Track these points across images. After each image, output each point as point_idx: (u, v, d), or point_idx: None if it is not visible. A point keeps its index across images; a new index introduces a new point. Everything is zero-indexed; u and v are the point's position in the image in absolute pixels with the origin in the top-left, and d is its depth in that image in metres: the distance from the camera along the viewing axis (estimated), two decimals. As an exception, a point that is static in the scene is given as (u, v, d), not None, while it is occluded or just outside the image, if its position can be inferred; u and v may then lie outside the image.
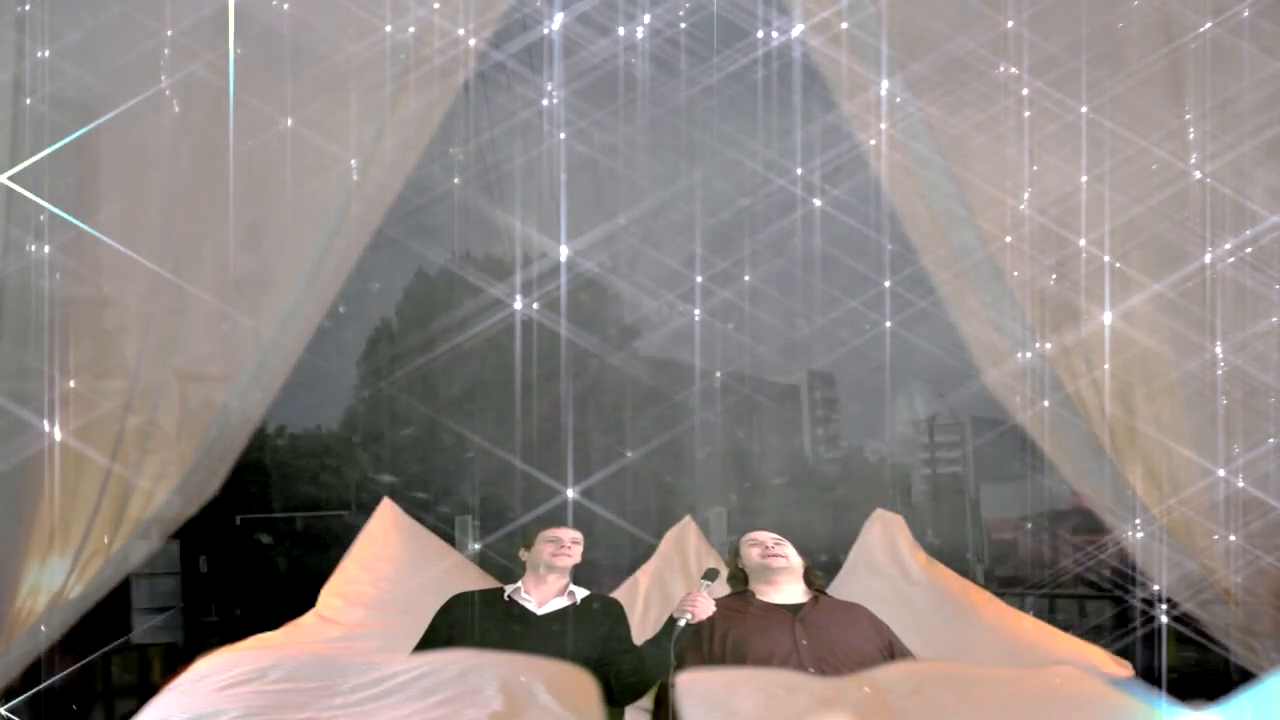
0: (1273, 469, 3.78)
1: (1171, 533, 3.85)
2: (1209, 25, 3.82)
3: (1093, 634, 3.86)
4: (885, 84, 4.01)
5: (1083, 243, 3.89)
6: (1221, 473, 3.79)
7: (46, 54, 3.79)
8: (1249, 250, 3.82)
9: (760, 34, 4.41)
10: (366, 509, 3.94)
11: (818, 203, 4.73)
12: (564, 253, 4.62)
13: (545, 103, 4.63)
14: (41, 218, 3.76)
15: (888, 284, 4.70)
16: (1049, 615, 5.41)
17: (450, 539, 4.18)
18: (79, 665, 4.13)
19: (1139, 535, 3.89)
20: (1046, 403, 4.02)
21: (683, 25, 4.75)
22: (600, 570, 3.99)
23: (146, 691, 3.05)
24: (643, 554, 3.99)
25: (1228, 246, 3.82)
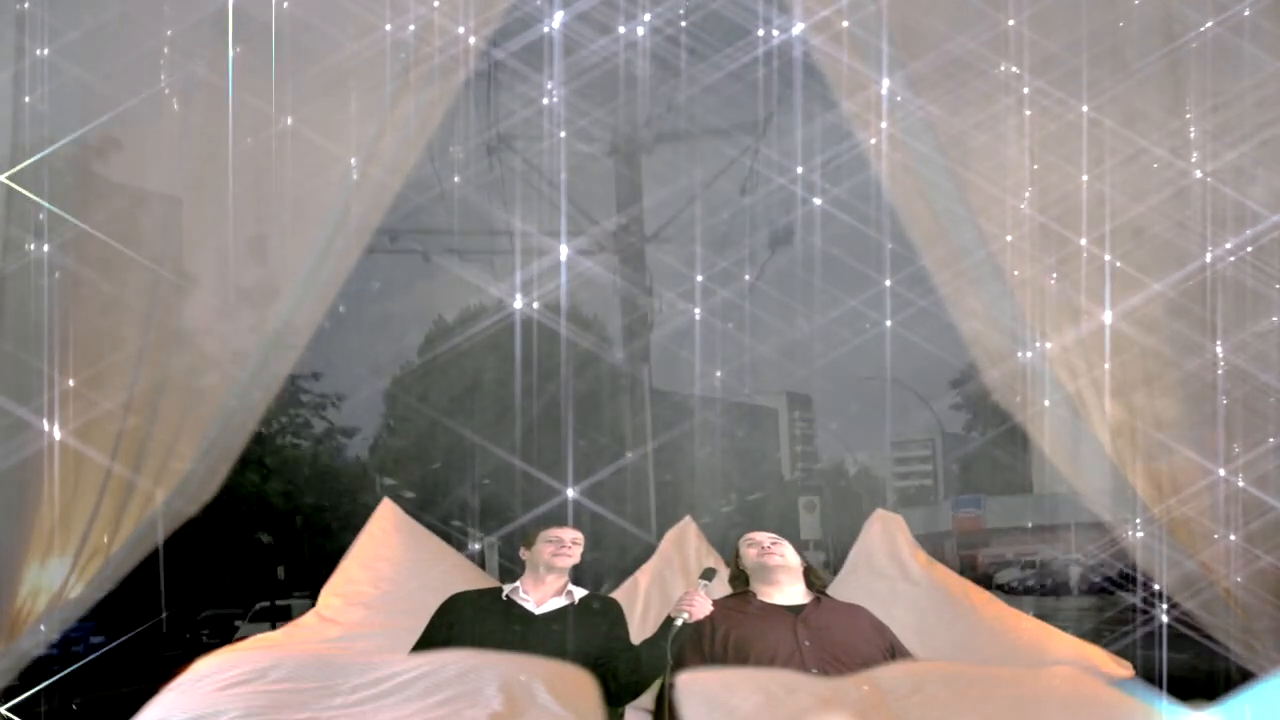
0: (1272, 468, 3.78)
1: (1172, 532, 3.85)
2: (1210, 24, 3.81)
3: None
4: (886, 83, 4.01)
5: (1083, 242, 3.88)
6: (1222, 472, 3.79)
7: (46, 53, 3.79)
8: (1249, 250, 3.82)
9: (761, 32, 4.41)
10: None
11: (818, 201, 4.73)
12: (564, 252, 4.63)
13: (546, 101, 4.63)
14: (41, 217, 3.76)
15: (888, 283, 4.70)
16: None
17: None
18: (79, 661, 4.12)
19: (1139, 535, 3.89)
20: (1047, 402, 4.02)
21: (683, 24, 4.75)
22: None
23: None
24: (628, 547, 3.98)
25: (1228, 246, 3.82)
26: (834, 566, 3.66)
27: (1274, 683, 2.88)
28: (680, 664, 2.92)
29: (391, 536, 3.74)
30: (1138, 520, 3.88)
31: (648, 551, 3.97)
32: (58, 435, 3.72)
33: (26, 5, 3.81)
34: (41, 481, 3.74)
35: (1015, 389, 4.07)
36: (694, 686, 2.56)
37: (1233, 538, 3.75)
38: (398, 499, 3.86)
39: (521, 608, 3.18)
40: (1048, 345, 3.96)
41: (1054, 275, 3.95)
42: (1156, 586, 3.87)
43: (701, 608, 3.06)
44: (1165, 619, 3.82)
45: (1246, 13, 3.80)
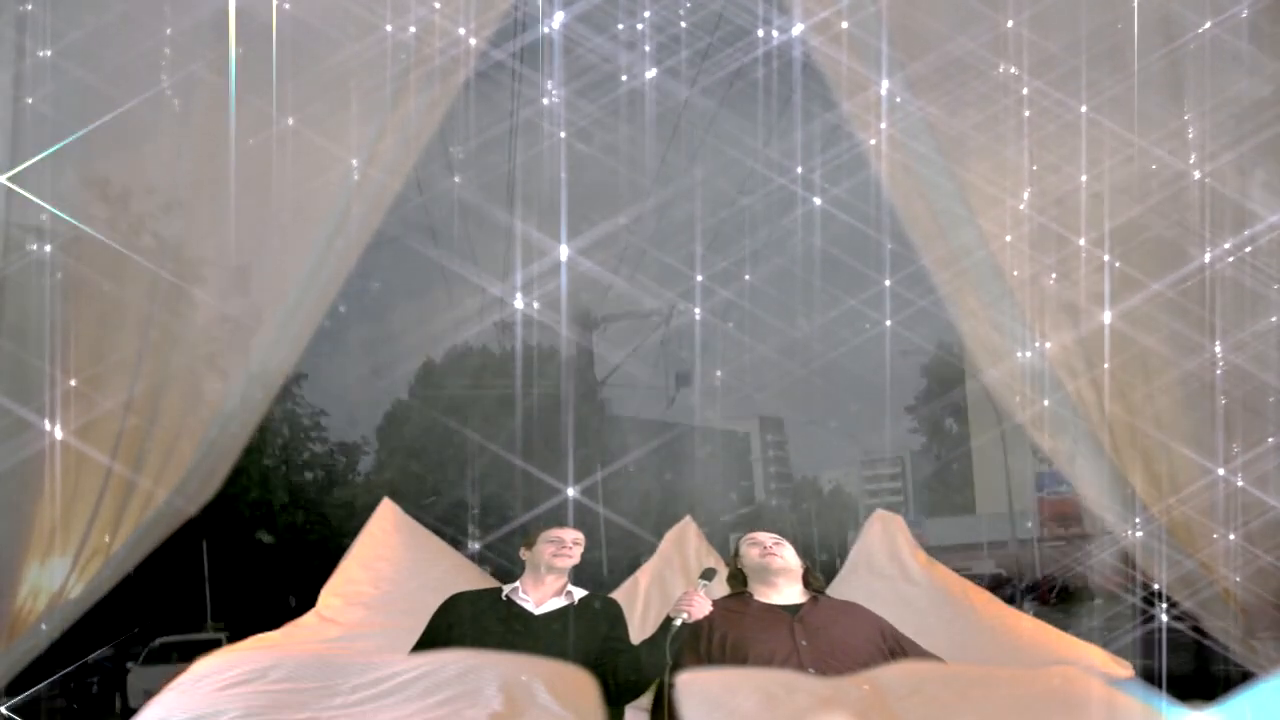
0: (1272, 468, 3.78)
1: (1171, 532, 3.85)
2: (1208, 25, 3.82)
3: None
4: (885, 83, 4.01)
5: (1082, 242, 3.89)
6: (1221, 472, 3.79)
7: (47, 54, 3.79)
8: (1248, 250, 3.82)
9: (761, 33, 4.40)
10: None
11: (818, 201, 4.73)
12: (564, 252, 4.62)
13: (545, 101, 4.63)
14: (42, 217, 3.76)
15: (888, 283, 4.70)
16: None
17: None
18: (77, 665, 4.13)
19: (1139, 534, 3.89)
20: (1046, 402, 4.02)
21: (683, 24, 4.74)
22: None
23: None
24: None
25: (1227, 246, 3.82)
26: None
27: (1274, 683, 2.88)
28: (679, 664, 2.92)
29: (391, 536, 3.74)
30: (1137, 520, 3.88)
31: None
32: (58, 435, 3.73)
33: (29, 6, 3.81)
34: (42, 481, 3.74)
35: (1015, 389, 4.07)
36: (694, 687, 2.55)
37: (1233, 538, 3.75)
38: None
39: (521, 608, 3.18)
40: (1048, 345, 3.96)
41: (1054, 275, 3.95)
42: (1156, 586, 3.87)
43: (701, 608, 3.06)
44: (1165, 619, 3.82)
45: (1245, 14, 3.80)
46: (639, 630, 3.39)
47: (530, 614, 3.16)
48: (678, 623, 3.00)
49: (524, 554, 3.34)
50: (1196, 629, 3.86)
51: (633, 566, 3.92)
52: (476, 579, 3.69)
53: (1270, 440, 3.81)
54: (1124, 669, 3.15)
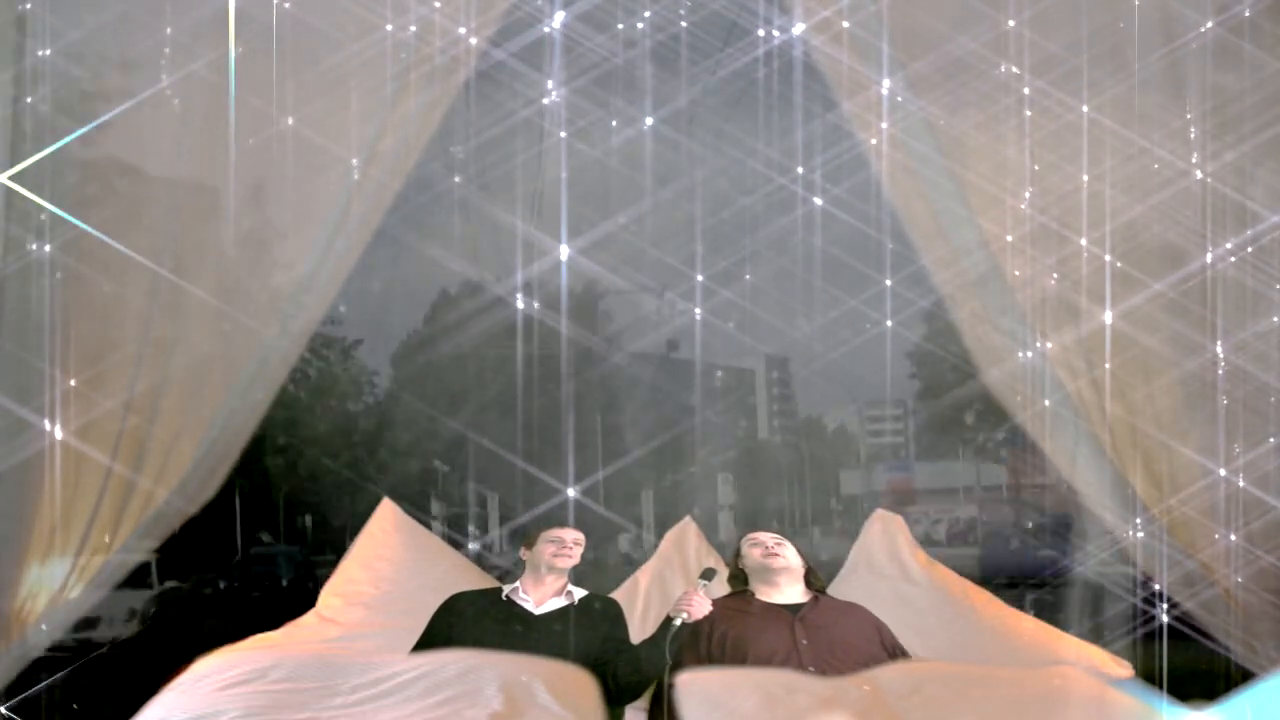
0: (1273, 468, 3.78)
1: (1172, 532, 3.85)
2: (1210, 24, 3.82)
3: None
4: (886, 83, 4.01)
5: (1084, 242, 3.88)
6: (1222, 472, 3.79)
7: (47, 53, 3.79)
8: (1250, 249, 3.82)
9: (761, 33, 4.40)
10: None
11: (818, 202, 4.72)
12: (565, 252, 4.62)
13: (546, 101, 4.63)
14: (42, 217, 3.76)
15: (888, 283, 4.70)
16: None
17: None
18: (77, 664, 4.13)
19: (1139, 535, 3.89)
20: (1047, 402, 4.02)
21: (684, 24, 4.74)
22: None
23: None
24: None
25: (1228, 246, 3.82)
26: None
27: (1274, 683, 2.88)
28: (679, 664, 2.92)
29: (391, 536, 3.75)
30: (1138, 520, 3.88)
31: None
32: (59, 435, 3.72)
33: (28, 6, 3.81)
34: (42, 481, 3.74)
35: (1015, 389, 4.07)
36: (694, 687, 2.56)
37: (1233, 538, 3.75)
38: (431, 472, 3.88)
39: (521, 608, 3.18)
40: (1048, 345, 3.96)
41: (1054, 275, 3.95)
42: (1157, 586, 3.87)
43: (700, 607, 3.07)
44: (1165, 619, 3.82)
45: (1247, 13, 3.80)
46: (639, 630, 3.40)
47: (530, 614, 3.17)
48: (677, 622, 3.00)
49: (524, 554, 3.34)
50: (1197, 629, 3.86)
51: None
52: (476, 579, 3.69)
53: (1271, 440, 3.81)
54: (1124, 669, 3.15)
